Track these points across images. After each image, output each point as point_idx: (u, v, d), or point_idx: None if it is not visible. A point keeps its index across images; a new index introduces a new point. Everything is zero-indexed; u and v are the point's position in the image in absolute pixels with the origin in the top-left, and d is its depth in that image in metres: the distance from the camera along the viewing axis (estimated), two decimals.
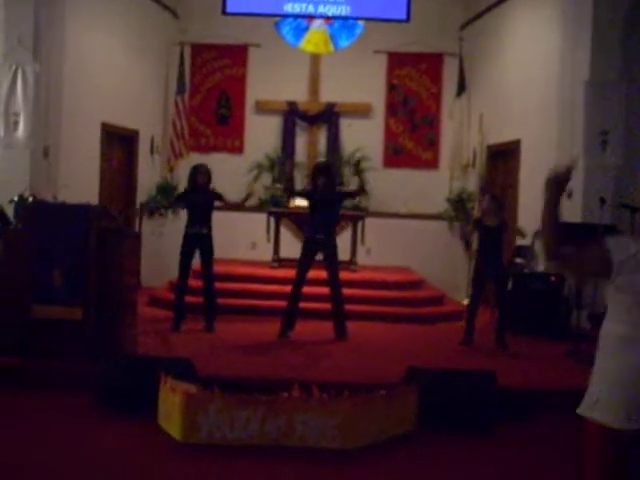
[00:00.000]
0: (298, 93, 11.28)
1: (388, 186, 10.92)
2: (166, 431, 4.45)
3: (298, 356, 6.30)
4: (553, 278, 7.65)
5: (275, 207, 10.28)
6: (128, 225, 9.69)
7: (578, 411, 2.43)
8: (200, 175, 7.29)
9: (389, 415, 4.55)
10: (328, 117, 11.29)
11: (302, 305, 7.19)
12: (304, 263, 7.08)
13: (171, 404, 4.44)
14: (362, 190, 7.48)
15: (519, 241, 8.15)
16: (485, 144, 10.15)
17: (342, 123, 11.28)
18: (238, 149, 11.35)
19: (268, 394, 4.45)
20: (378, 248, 10.30)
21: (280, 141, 11.30)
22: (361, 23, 10.97)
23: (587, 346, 6.22)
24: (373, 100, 11.31)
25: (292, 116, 11.30)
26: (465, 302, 9.09)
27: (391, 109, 11.37)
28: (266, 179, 10.99)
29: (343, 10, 10.27)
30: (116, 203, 9.75)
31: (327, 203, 7.11)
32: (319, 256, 7.12)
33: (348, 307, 7.38)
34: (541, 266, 8.06)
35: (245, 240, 10.46)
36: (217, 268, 7.56)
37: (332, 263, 7.10)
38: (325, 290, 7.21)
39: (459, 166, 10.72)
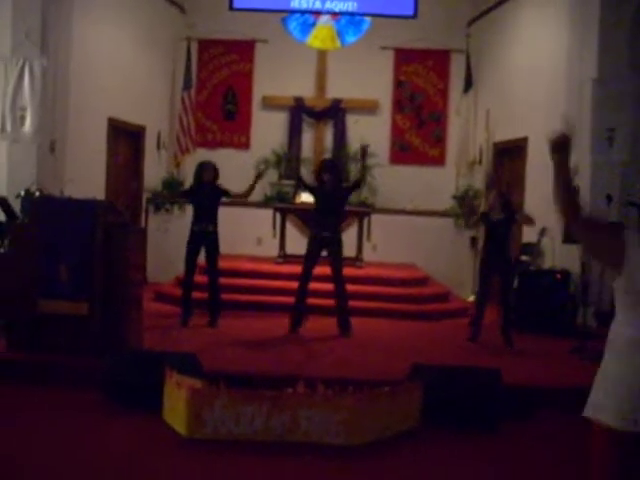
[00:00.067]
0: (305, 89, 11.27)
1: (394, 183, 10.91)
2: (171, 426, 4.46)
3: (303, 352, 6.31)
4: (559, 275, 7.64)
5: (281, 203, 10.28)
6: (134, 220, 9.70)
7: (584, 414, 2.41)
8: (206, 172, 7.27)
9: (393, 411, 4.55)
10: (335, 113, 11.28)
11: (307, 301, 7.19)
12: (310, 259, 7.09)
13: (176, 399, 4.45)
14: (363, 177, 7.36)
15: (527, 229, 8.11)
16: (492, 141, 10.13)
17: (349, 119, 11.27)
18: (245, 145, 11.36)
19: (273, 390, 4.46)
20: (384, 245, 10.30)
21: (286, 137, 11.29)
22: (368, 19, 10.93)
23: (593, 343, 6.22)
24: (380, 96, 11.30)
25: (299, 112, 11.30)
26: (471, 299, 9.10)
27: (398, 105, 11.36)
28: (272, 175, 11.00)
29: (350, 6, 10.26)
30: (122, 198, 9.76)
31: (333, 200, 7.10)
32: (324, 252, 7.12)
33: (353, 303, 7.38)
34: (547, 263, 8.06)
35: (251, 236, 10.47)
36: (223, 263, 7.57)
37: (336, 259, 7.09)
38: (330, 286, 7.21)
39: (465, 163, 10.70)
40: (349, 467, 4.11)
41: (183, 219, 8.99)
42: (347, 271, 7.35)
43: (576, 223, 2.45)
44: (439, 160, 11.32)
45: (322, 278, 7.35)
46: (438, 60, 11.30)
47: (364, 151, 7.65)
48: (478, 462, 4.27)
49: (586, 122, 7.48)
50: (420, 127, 11.33)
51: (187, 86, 10.85)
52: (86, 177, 8.46)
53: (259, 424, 4.32)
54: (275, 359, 5.98)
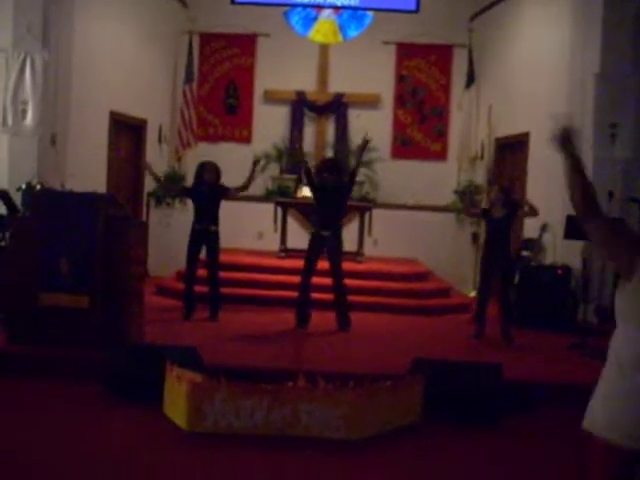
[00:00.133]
0: (306, 83, 11.26)
1: (396, 177, 10.91)
2: (172, 420, 4.47)
3: (304, 346, 6.32)
4: (560, 271, 7.64)
5: (282, 197, 10.27)
6: (135, 214, 9.69)
7: (584, 426, 2.37)
8: (206, 172, 7.20)
9: (394, 406, 4.55)
10: (336, 107, 11.27)
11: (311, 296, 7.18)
12: (312, 255, 7.08)
13: (177, 393, 4.45)
14: (357, 165, 7.27)
15: (529, 225, 8.09)
16: (493, 136, 10.12)
17: (350, 114, 11.26)
18: (246, 139, 11.34)
19: (273, 384, 4.46)
20: (385, 239, 10.30)
21: (288, 131, 11.29)
22: (370, 13, 10.91)
23: (593, 340, 6.23)
24: (382, 91, 11.28)
25: (300, 106, 11.29)
26: (472, 294, 9.10)
27: (400, 100, 11.35)
28: (274, 169, 10.99)
29: (352, 0, 10.23)
30: (124, 192, 9.76)
31: (334, 197, 7.03)
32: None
33: (354, 298, 7.38)
34: (548, 259, 8.06)
35: (252, 230, 10.47)
36: (224, 258, 7.57)
37: (334, 254, 7.06)
38: (329, 281, 7.20)
39: (467, 158, 10.68)
40: (349, 461, 4.11)
41: (185, 214, 8.96)
42: (348, 266, 7.34)
43: (594, 221, 2.36)
44: (441, 155, 11.31)
45: (322, 272, 7.35)
46: (440, 55, 11.28)
47: (365, 143, 7.34)
48: (479, 456, 4.28)
49: (588, 118, 7.46)
50: (422, 122, 11.32)
51: (189, 80, 10.84)
52: (87, 170, 8.46)
53: (259, 418, 4.32)
54: (276, 353, 5.98)
